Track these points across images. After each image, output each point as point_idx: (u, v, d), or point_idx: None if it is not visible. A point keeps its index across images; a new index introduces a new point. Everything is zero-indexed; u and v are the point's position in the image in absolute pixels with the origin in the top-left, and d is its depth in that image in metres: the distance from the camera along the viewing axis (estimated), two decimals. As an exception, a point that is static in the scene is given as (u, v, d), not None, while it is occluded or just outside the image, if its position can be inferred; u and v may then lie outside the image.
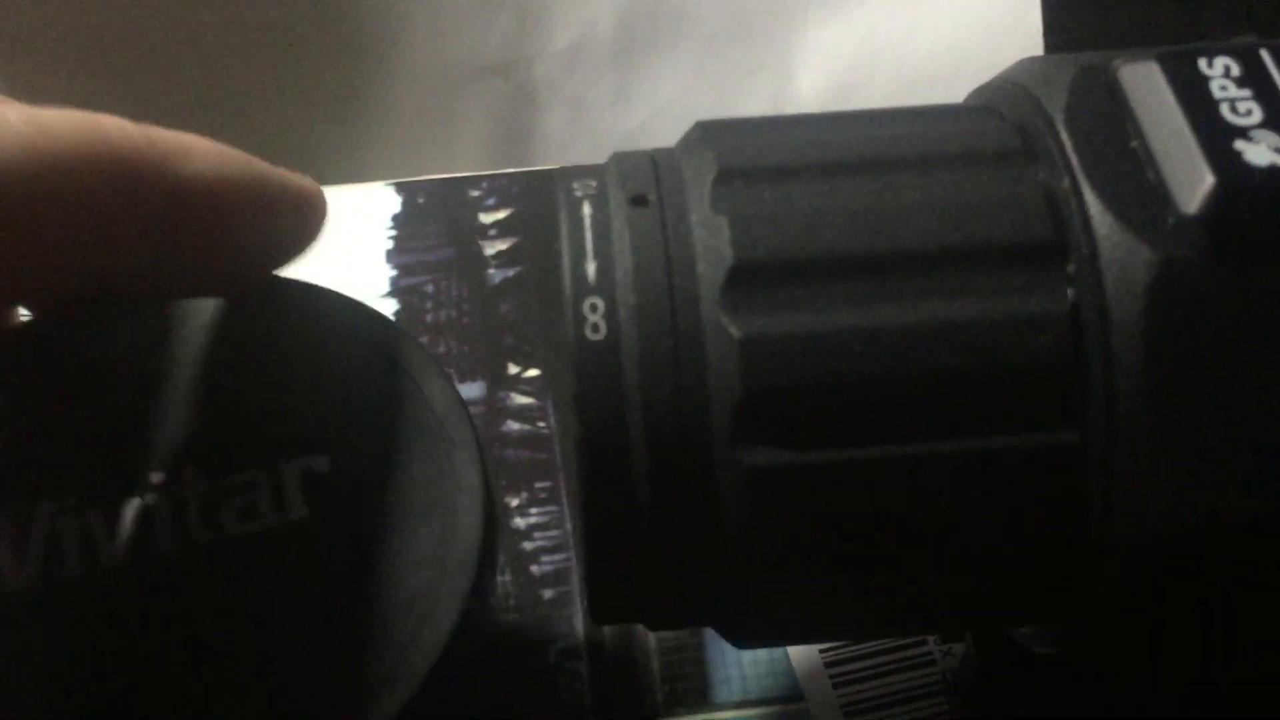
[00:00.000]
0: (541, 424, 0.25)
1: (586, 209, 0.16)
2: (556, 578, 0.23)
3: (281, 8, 0.30)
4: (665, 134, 0.32)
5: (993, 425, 0.15)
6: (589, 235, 0.16)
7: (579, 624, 0.23)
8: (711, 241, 0.15)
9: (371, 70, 0.31)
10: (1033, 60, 0.17)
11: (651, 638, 0.23)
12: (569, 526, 0.24)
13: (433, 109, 0.31)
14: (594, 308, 0.15)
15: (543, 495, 0.24)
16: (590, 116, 0.31)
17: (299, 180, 0.18)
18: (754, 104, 0.32)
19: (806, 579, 0.16)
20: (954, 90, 0.32)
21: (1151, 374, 0.14)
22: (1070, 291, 0.15)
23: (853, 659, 0.22)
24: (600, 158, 0.31)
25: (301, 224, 0.18)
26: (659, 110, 0.32)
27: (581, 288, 0.15)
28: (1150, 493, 0.14)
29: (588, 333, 0.15)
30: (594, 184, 0.16)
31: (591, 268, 0.15)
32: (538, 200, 0.28)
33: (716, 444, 0.15)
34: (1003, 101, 0.17)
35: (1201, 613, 0.15)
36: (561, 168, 0.17)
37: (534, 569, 0.23)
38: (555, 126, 0.31)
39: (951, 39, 0.31)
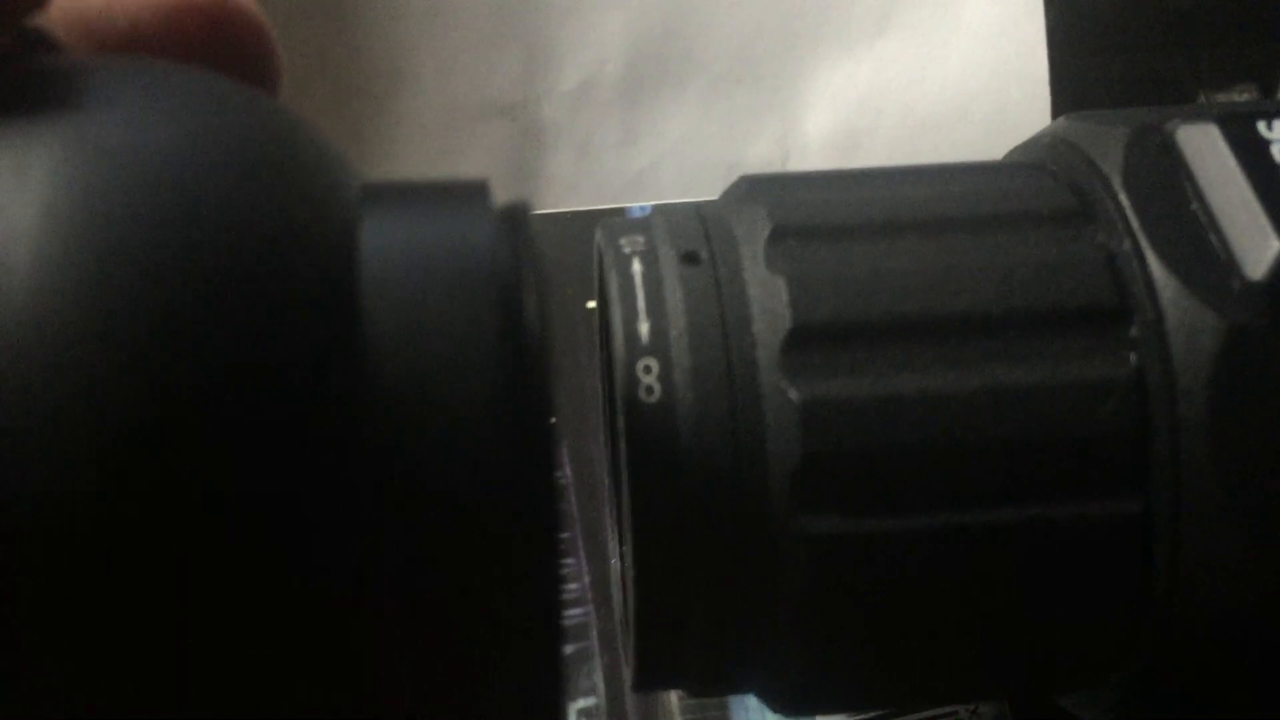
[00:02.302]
0: (557, 474, 0.24)
1: (636, 266, 0.16)
2: (575, 633, 0.23)
3: (284, 47, 0.30)
4: (673, 176, 0.32)
5: (1055, 493, 0.14)
6: (640, 294, 0.15)
7: (599, 681, 0.22)
8: (769, 302, 0.15)
9: (376, 111, 0.30)
10: (1078, 118, 0.17)
11: (674, 697, 0.22)
12: (587, 580, 0.23)
13: (436, 149, 0.30)
14: (648, 369, 0.15)
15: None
16: (597, 158, 0.31)
17: None
18: (761, 146, 0.32)
19: (863, 648, 0.15)
20: (961, 135, 0.32)
21: (1218, 442, 0.14)
22: (1133, 357, 0.15)
23: (878, 718, 0.22)
24: (607, 201, 0.31)
25: None
26: (666, 152, 0.31)
27: (635, 348, 0.15)
28: (1218, 563, 0.14)
29: (641, 394, 0.15)
30: (642, 239, 0.16)
31: (645, 328, 0.15)
32: (545, 243, 0.27)
33: (774, 510, 0.14)
34: (1052, 159, 0.17)
35: (1269, 684, 0.15)
36: (606, 220, 0.17)
37: (551, 624, 0.23)
38: (562, 168, 0.31)
39: (959, 85, 0.31)
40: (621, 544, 0.17)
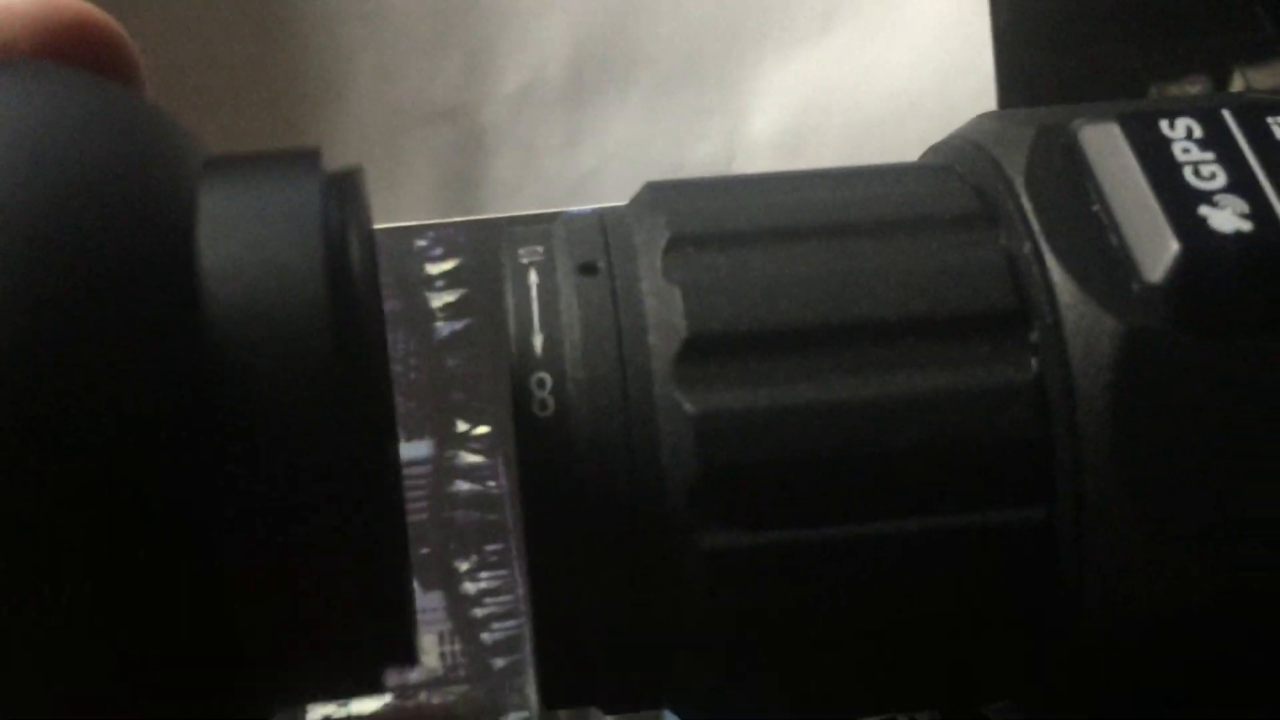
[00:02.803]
0: (492, 483, 0.24)
1: (533, 277, 0.15)
2: (509, 645, 0.23)
3: (220, 49, 0.29)
4: (618, 179, 0.32)
5: (958, 502, 0.14)
6: (535, 306, 0.15)
7: (533, 695, 0.22)
8: (664, 313, 0.15)
9: (313, 115, 0.30)
10: (990, 117, 0.17)
11: (607, 708, 0.22)
12: (521, 591, 0.23)
13: (377, 155, 0.30)
14: (541, 383, 0.14)
15: (494, 559, 0.23)
16: (540, 161, 0.31)
17: None
18: (707, 147, 0.31)
19: (769, 662, 0.15)
20: (908, 133, 0.32)
21: (1119, 448, 0.14)
22: (1034, 362, 0.14)
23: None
24: (551, 204, 0.31)
25: None
26: (611, 154, 0.31)
27: (528, 362, 0.15)
28: (1122, 569, 0.14)
29: (535, 409, 0.14)
30: (540, 249, 0.16)
31: (538, 340, 0.15)
32: (486, 250, 0.27)
33: (672, 525, 0.14)
34: (960, 161, 0.16)
35: (1177, 691, 0.14)
36: (507, 229, 0.16)
37: (485, 636, 0.23)
38: (504, 172, 0.31)
39: (906, 82, 0.31)
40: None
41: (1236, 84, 0.35)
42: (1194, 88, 0.35)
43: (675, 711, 0.16)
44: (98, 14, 0.16)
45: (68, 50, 0.16)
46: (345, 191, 0.13)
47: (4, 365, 0.11)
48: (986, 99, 0.31)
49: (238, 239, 0.12)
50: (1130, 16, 0.34)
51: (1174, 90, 0.34)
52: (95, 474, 0.11)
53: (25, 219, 0.11)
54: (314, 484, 0.12)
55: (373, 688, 0.13)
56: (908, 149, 0.31)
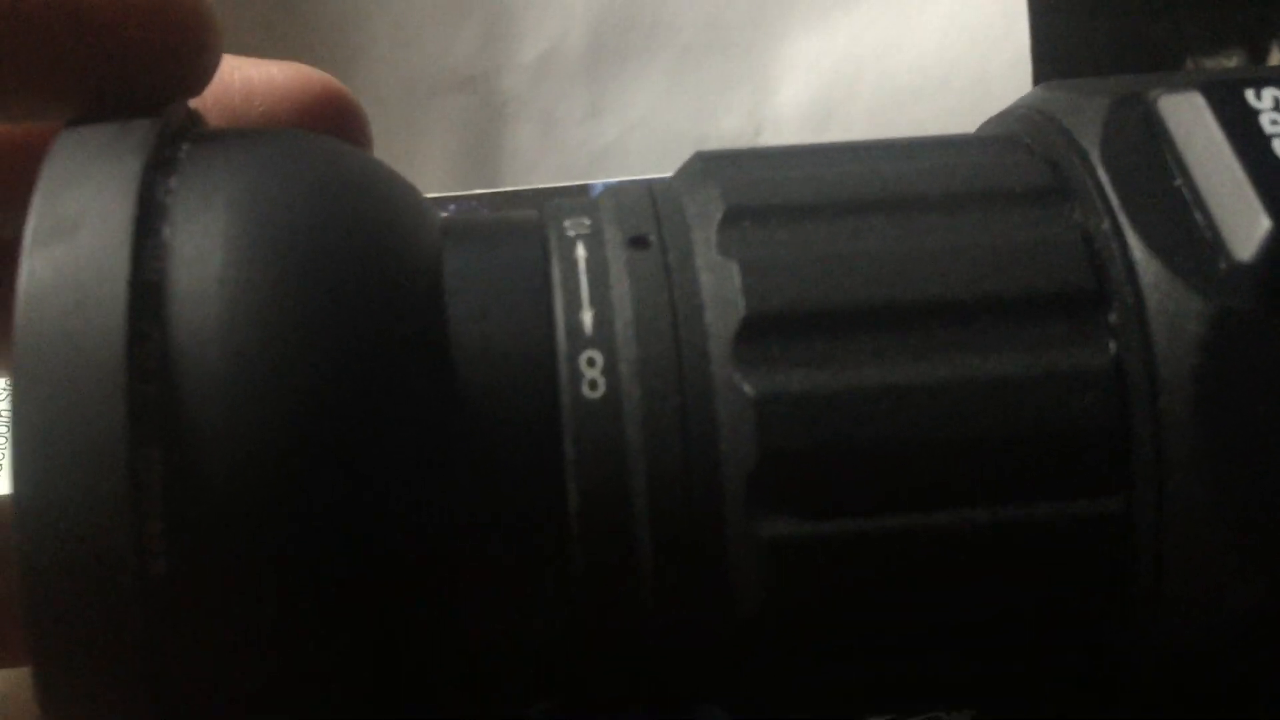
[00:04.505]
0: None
1: (580, 250, 0.14)
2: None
3: (234, 16, 0.28)
4: (640, 151, 0.31)
5: (1029, 492, 0.13)
6: (584, 280, 0.14)
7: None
8: (721, 290, 0.14)
9: (330, 83, 0.29)
10: (1056, 86, 0.16)
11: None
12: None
13: (395, 126, 0.29)
14: (591, 362, 0.14)
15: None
16: (561, 132, 0.30)
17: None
18: (732, 118, 0.30)
19: (826, 656, 0.14)
20: (940, 104, 0.31)
21: (1204, 436, 0.13)
22: (1112, 345, 0.14)
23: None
24: (571, 177, 0.30)
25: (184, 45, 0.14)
26: (633, 125, 0.30)
27: (577, 340, 0.14)
28: (1203, 567, 0.13)
29: (584, 390, 0.14)
30: (587, 221, 0.15)
31: (588, 317, 0.14)
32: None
33: (729, 514, 0.13)
34: (1028, 132, 0.16)
35: (1257, 697, 0.14)
36: (552, 202, 0.16)
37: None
38: (524, 143, 0.30)
39: (937, 51, 0.30)
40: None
41: (1273, 58, 0.34)
42: (1229, 61, 0.34)
43: (724, 708, 0.16)
44: (339, 85, 0.18)
45: (319, 118, 0.17)
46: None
47: (303, 383, 0.13)
48: (1021, 71, 0.30)
49: (475, 296, 0.14)
50: (1166, -12, 0.33)
51: (1210, 64, 0.34)
52: (358, 493, 0.13)
53: (325, 274, 0.13)
54: (525, 514, 0.14)
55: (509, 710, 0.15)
56: (939, 121, 0.30)
